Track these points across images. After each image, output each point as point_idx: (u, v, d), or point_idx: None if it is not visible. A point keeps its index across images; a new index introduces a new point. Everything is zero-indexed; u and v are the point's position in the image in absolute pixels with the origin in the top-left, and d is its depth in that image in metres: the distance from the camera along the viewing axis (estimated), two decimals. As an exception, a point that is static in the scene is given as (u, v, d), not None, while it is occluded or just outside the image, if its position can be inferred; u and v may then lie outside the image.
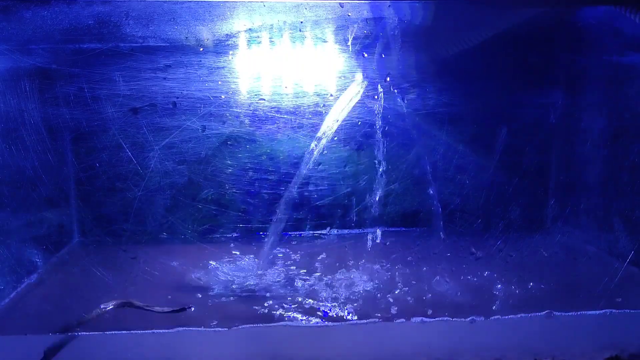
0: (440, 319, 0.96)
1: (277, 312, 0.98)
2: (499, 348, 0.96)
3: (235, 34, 1.10)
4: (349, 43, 1.12)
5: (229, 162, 1.20)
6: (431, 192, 1.21)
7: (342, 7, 1.06)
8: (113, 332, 0.92)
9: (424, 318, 0.96)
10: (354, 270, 1.15)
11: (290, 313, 0.98)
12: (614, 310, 0.99)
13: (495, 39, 1.14)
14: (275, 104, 1.16)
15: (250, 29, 1.10)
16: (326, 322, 0.96)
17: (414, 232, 1.28)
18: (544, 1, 1.08)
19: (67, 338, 0.90)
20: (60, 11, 1.03)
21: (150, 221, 1.20)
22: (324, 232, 1.28)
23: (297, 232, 1.27)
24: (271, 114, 1.17)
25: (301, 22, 1.09)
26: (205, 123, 1.16)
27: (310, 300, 1.03)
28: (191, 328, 0.92)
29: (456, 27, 1.13)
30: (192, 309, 0.98)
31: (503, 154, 1.22)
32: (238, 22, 1.09)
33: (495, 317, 0.97)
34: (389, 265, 1.17)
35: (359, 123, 1.18)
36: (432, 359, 0.96)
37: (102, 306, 0.98)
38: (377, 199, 1.24)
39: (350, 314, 0.98)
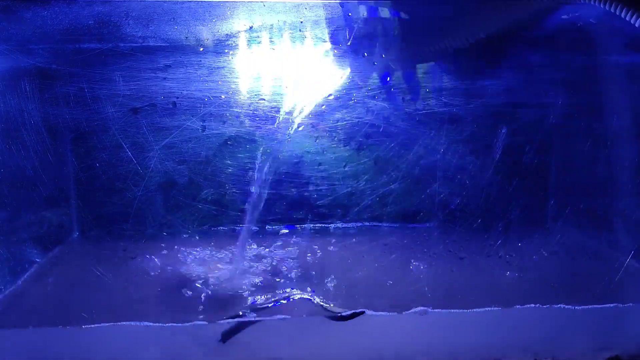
0: (439, 314, 0.97)
1: (272, 306, 0.99)
2: (499, 347, 0.96)
3: (235, 34, 1.10)
4: (349, 43, 1.12)
5: (229, 161, 1.20)
6: (430, 191, 1.21)
7: (342, 7, 1.06)
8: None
9: (422, 311, 0.96)
10: (351, 264, 1.16)
11: (285, 306, 0.99)
12: (615, 305, 0.99)
13: (495, 38, 1.14)
14: (275, 103, 1.16)
15: (250, 29, 1.10)
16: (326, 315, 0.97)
17: (412, 228, 1.29)
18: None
19: (242, 324, 0.93)
20: (60, 11, 1.03)
21: (150, 221, 1.21)
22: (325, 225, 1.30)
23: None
24: (271, 113, 1.17)
25: (301, 22, 1.09)
26: (205, 123, 1.16)
27: (308, 293, 1.03)
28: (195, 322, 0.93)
29: (455, 27, 1.13)
30: (365, 312, 0.96)
31: (503, 153, 1.22)
32: (238, 22, 1.09)
33: (496, 315, 0.98)
34: (386, 260, 1.17)
35: (359, 123, 1.18)
36: (431, 358, 0.96)
37: (281, 294, 1.00)
38: (377, 197, 1.25)
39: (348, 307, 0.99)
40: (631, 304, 0.99)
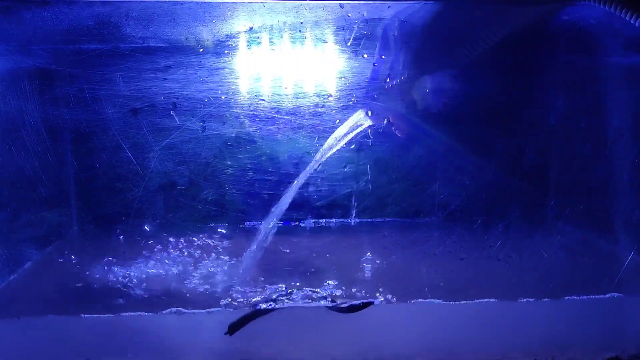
0: (439, 311, 0.97)
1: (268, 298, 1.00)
2: (499, 347, 0.96)
3: (235, 34, 1.10)
4: (349, 44, 1.12)
5: (229, 162, 1.21)
6: (430, 192, 1.21)
7: (342, 7, 1.06)
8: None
9: (421, 303, 0.97)
10: (348, 257, 1.17)
11: (293, 298, 1.00)
12: (615, 304, 0.99)
13: (494, 39, 1.14)
14: (275, 104, 1.16)
15: (250, 30, 1.10)
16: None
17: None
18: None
19: (249, 316, 0.95)
20: (60, 12, 1.03)
21: (150, 220, 1.21)
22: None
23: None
24: (271, 114, 1.17)
25: (301, 23, 1.10)
26: (205, 124, 1.17)
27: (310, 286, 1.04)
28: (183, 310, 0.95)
29: (456, 28, 1.14)
30: (375, 303, 0.97)
31: (504, 154, 1.22)
32: (238, 23, 1.09)
33: (498, 315, 0.98)
34: (383, 255, 1.18)
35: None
36: (430, 359, 0.96)
37: (287, 288, 1.02)
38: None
39: (347, 299, 0.99)
40: (630, 301, 1.00)
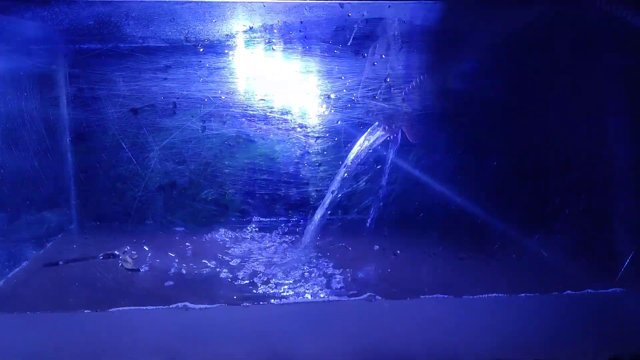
0: (438, 309, 0.97)
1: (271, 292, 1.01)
2: (499, 346, 0.96)
3: (235, 34, 1.11)
4: (349, 43, 1.12)
5: (228, 162, 1.21)
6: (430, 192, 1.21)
7: (342, 7, 1.07)
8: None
9: (420, 301, 0.97)
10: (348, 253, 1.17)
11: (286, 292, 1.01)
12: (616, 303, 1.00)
13: (494, 39, 1.14)
14: (274, 104, 1.16)
15: (250, 30, 1.10)
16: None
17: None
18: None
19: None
20: (60, 11, 1.03)
21: (150, 220, 1.21)
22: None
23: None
24: (271, 114, 1.17)
25: (301, 23, 1.10)
26: (205, 123, 1.17)
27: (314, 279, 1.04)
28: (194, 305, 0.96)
29: (455, 28, 1.14)
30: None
31: (503, 154, 1.22)
32: (238, 23, 1.09)
33: (497, 313, 0.98)
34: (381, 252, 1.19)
35: (358, 123, 1.18)
36: (429, 356, 0.96)
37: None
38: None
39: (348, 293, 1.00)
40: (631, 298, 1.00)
